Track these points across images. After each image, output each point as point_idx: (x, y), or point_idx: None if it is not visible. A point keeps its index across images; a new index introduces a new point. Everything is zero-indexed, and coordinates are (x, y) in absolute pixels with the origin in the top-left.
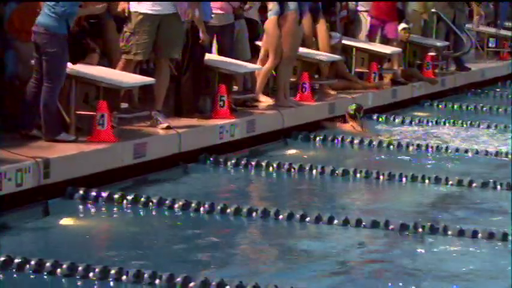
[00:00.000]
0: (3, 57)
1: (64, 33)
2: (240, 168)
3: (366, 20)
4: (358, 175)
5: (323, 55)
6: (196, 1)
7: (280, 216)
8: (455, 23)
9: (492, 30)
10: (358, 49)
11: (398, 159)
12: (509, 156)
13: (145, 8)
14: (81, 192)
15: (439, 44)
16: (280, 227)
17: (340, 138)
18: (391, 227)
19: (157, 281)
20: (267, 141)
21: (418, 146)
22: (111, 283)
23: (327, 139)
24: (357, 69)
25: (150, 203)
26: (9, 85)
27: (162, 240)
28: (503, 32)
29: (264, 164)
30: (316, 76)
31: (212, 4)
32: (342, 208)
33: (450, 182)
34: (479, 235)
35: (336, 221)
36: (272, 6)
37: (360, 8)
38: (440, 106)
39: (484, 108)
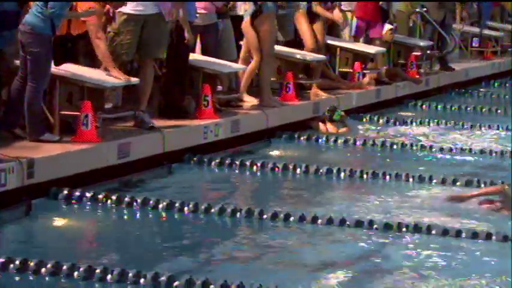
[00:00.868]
0: None
1: (49, 34)
2: (224, 168)
3: (350, 19)
4: (342, 174)
5: (308, 55)
6: (180, 1)
7: (264, 216)
8: (445, 23)
9: (476, 30)
10: (342, 49)
11: (383, 158)
12: (501, 154)
13: (129, 8)
14: (65, 192)
15: (422, 43)
16: (264, 226)
17: (324, 138)
18: (375, 226)
19: (141, 280)
20: (251, 141)
21: (402, 145)
22: (96, 282)
23: (311, 138)
24: (341, 69)
25: (134, 203)
26: None
27: (146, 240)
28: (486, 32)
29: (248, 163)
30: (301, 76)
31: (196, 4)
32: (326, 207)
33: (434, 181)
34: (463, 234)
35: (319, 220)
36: (248, 7)
37: (343, 7)
38: (424, 106)
39: (468, 108)
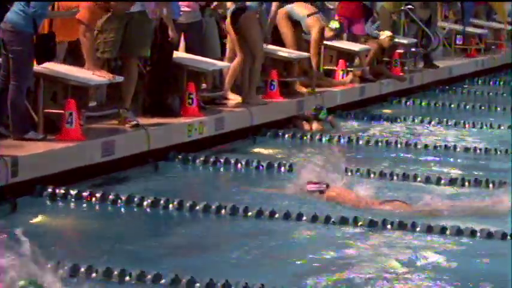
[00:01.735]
0: None
1: (31, 32)
2: (208, 165)
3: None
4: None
5: (292, 52)
6: (164, 0)
7: (249, 213)
8: (431, 21)
9: (459, 27)
10: (326, 46)
11: (367, 156)
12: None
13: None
14: (49, 190)
15: (406, 41)
16: (249, 224)
17: (309, 136)
18: (359, 223)
19: (127, 278)
20: (236, 138)
21: (387, 142)
22: (81, 280)
23: (296, 136)
24: (325, 67)
25: (119, 201)
26: None
27: (131, 238)
28: (470, 29)
29: (232, 161)
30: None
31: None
32: (311, 205)
33: (418, 179)
34: (448, 231)
35: (304, 218)
36: (229, 5)
37: (329, 5)
38: (408, 103)
39: (452, 106)
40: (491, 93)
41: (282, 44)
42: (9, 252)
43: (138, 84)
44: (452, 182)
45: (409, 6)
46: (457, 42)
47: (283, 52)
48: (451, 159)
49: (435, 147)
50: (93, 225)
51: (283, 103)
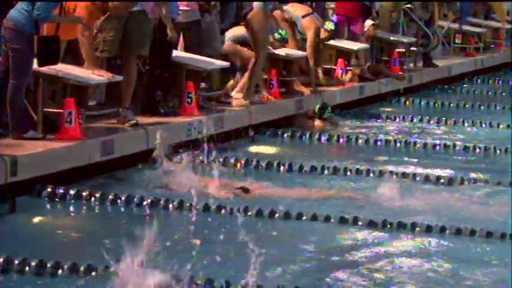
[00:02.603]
0: None
1: (32, 32)
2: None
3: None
4: (325, 171)
5: (291, 52)
6: (163, 0)
7: (249, 213)
8: (432, 21)
9: (458, 26)
10: (325, 45)
11: (366, 155)
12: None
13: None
14: (49, 189)
15: (406, 40)
16: (249, 223)
17: (308, 135)
18: (359, 223)
19: None
20: (235, 137)
21: (386, 141)
22: (80, 280)
23: (295, 135)
24: (325, 66)
25: (118, 200)
26: None
27: (131, 237)
28: (469, 29)
29: (232, 160)
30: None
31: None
32: (310, 204)
33: (417, 178)
34: (447, 231)
35: (304, 217)
36: None
37: (328, 4)
38: (407, 102)
39: (451, 105)
40: (490, 92)
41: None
42: None
43: (137, 84)
44: (451, 180)
45: (408, 6)
46: (456, 41)
47: (283, 51)
48: (451, 158)
49: (434, 146)
50: (92, 225)
51: (282, 102)
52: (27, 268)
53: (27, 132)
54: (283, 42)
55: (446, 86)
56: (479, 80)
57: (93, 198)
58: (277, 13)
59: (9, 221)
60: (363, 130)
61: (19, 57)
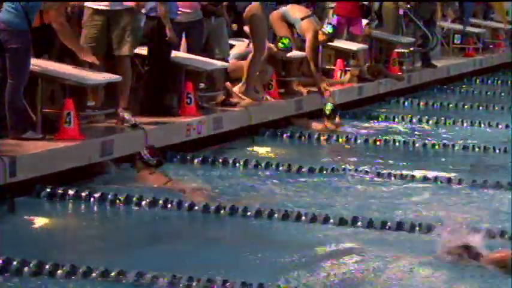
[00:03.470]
0: None
1: (26, 28)
2: (207, 165)
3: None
4: (324, 172)
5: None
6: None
7: (249, 213)
8: (431, 21)
9: (457, 26)
10: (324, 46)
11: (365, 156)
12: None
13: (94, 3)
14: (48, 190)
15: (405, 40)
16: (248, 223)
17: (307, 135)
18: (359, 223)
19: (124, 280)
20: (235, 138)
21: (385, 142)
22: (79, 281)
23: (294, 136)
24: (324, 66)
25: (118, 201)
26: None
27: (130, 238)
28: (468, 29)
29: (231, 161)
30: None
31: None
32: (309, 205)
33: (416, 178)
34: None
35: (303, 218)
36: None
37: (328, 4)
38: (406, 103)
39: (450, 105)
40: (489, 93)
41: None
42: None
43: (136, 84)
44: (449, 181)
45: (408, 6)
46: (455, 41)
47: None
48: (450, 159)
49: (433, 146)
50: (91, 225)
51: (282, 102)
52: (25, 269)
53: (26, 132)
54: (287, 51)
55: (445, 86)
56: (478, 81)
57: (92, 199)
58: (275, 15)
59: (8, 222)
60: (362, 131)
61: (16, 56)
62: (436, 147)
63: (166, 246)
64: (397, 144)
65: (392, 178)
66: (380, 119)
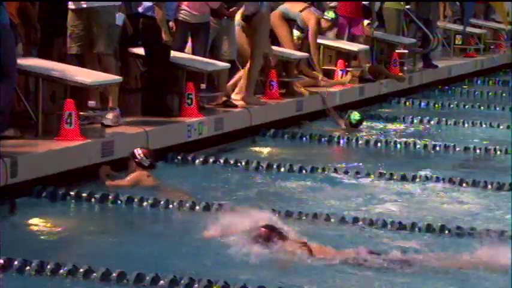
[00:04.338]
0: None
1: (6, 22)
2: (208, 166)
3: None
4: (326, 172)
5: (291, 52)
6: (162, 1)
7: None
8: (430, 20)
9: (458, 27)
10: (325, 46)
11: (367, 156)
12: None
13: (74, 3)
14: (49, 191)
15: (406, 41)
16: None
17: (308, 136)
18: (360, 223)
19: (125, 280)
20: (236, 139)
21: (386, 142)
22: (80, 282)
23: (296, 136)
24: (324, 67)
25: (119, 201)
26: None
27: (131, 238)
28: (469, 29)
29: (232, 162)
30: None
31: (188, 4)
32: (311, 205)
33: (417, 180)
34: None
35: (304, 217)
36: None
37: (329, 3)
38: (407, 103)
39: (451, 106)
40: (490, 93)
41: (279, 44)
42: None
43: (136, 85)
44: (450, 182)
45: (408, 6)
46: (456, 42)
47: (282, 52)
48: (451, 159)
49: (434, 147)
50: (92, 226)
51: (283, 103)
52: (27, 268)
53: (6, 129)
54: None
55: (446, 87)
56: (479, 81)
57: (93, 200)
58: (276, 14)
59: (9, 223)
60: (363, 131)
61: (7, 53)
62: (437, 148)
63: (168, 246)
64: (398, 145)
65: (393, 179)
66: (381, 119)
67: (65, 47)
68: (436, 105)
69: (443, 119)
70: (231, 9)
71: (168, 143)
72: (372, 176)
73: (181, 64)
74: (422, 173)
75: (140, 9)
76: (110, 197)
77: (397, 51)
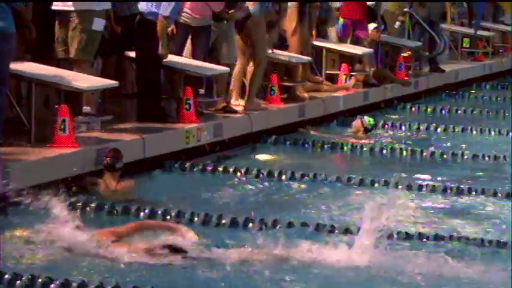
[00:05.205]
0: None
1: (14, 32)
2: (206, 174)
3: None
4: (329, 179)
5: (292, 56)
6: (162, 1)
7: (250, 225)
8: (432, 21)
9: (466, 30)
10: (328, 50)
11: (371, 164)
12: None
13: (55, 6)
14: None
15: (412, 44)
16: (251, 236)
17: (310, 143)
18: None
19: None
20: (236, 145)
21: (392, 149)
22: None
23: (298, 143)
24: (328, 71)
25: (115, 211)
26: None
27: None
28: (477, 32)
29: (231, 169)
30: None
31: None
32: (313, 214)
33: (424, 189)
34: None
35: (307, 228)
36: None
37: (334, 4)
38: (413, 108)
39: (459, 111)
40: (499, 98)
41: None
42: None
43: (133, 90)
44: (459, 191)
45: (406, 9)
46: (464, 45)
47: (284, 56)
48: (459, 167)
49: (442, 154)
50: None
51: (284, 108)
52: (17, 282)
53: None
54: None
55: (453, 92)
56: (487, 86)
57: (88, 208)
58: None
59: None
60: (368, 138)
61: (5, 61)
62: (445, 155)
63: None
64: (403, 152)
65: (399, 188)
66: (386, 125)
67: None
68: (443, 111)
69: (451, 125)
70: (229, 12)
71: (165, 150)
72: (377, 184)
73: (179, 68)
74: (430, 182)
75: (141, 9)
76: (106, 207)
77: (402, 54)
